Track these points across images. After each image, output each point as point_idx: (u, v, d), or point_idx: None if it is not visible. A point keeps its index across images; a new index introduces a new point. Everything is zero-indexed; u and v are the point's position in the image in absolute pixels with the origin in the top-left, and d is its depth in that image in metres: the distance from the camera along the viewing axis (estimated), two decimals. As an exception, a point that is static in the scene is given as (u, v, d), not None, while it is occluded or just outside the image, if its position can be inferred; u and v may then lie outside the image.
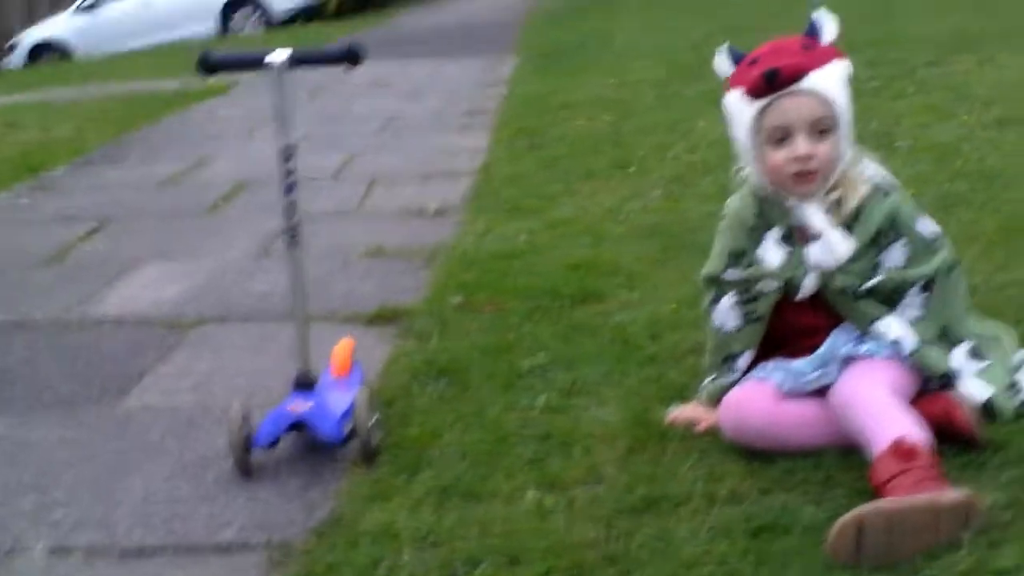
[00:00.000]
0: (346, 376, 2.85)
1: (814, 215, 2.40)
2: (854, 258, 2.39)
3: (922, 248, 2.43)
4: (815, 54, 2.37)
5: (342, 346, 2.91)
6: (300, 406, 2.54)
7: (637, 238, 4.05)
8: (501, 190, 5.08)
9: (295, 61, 2.55)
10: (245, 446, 2.52)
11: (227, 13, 18.37)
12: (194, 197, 5.51)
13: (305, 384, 2.59)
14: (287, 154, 2.53)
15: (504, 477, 2.40)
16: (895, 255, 2.42)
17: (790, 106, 2.33)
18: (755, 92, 2.35)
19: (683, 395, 2.68)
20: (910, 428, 2.16)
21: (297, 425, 2.56)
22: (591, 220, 4.37)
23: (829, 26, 2.43)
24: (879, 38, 8.39)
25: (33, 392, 3.14)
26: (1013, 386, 2.45)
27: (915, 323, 2.41)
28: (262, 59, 2.56)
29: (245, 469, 2.53)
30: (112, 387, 3.13)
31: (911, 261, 2.42)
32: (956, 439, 2.30)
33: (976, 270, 3.29)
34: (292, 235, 2.59)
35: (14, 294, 4.09)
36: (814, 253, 2.41)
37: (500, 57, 10.81)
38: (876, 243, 2.41)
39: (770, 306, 2.49)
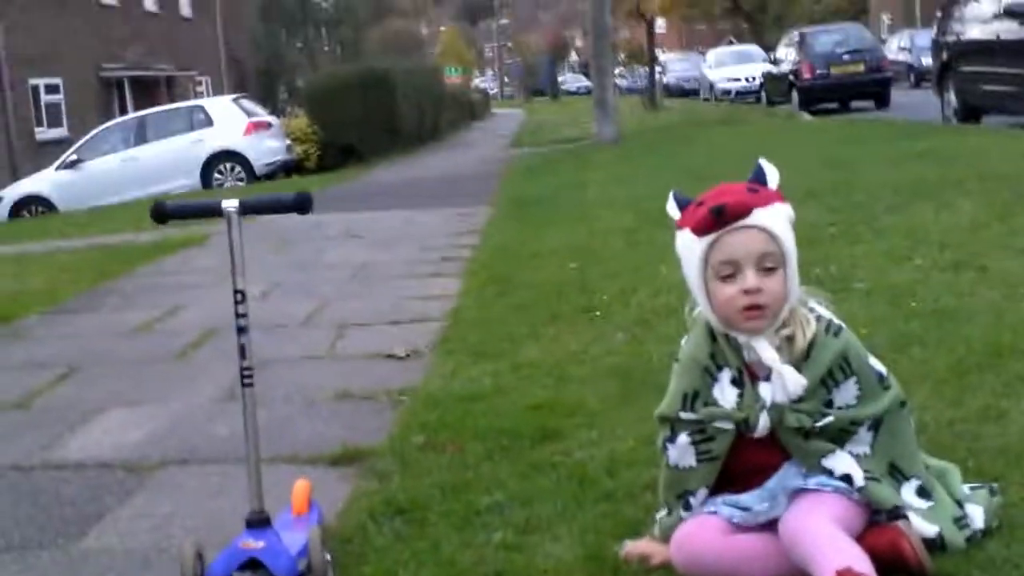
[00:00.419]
0: (304, 515, 2.88)
1: (765, 351, 2.44)
2: (806, 396, 2.44)
3: (872, 386, 2.49)
4: (760, 195, 2.45)
5: (299, 487, 2.94)
6: (252, 544, 2.54)
7: (599, 379, 4.10)
8: (469, 334, 5.15)
9: (246, 209, 2.65)
10: (198, 585, 2.51)
11: (208, 167, 18.73)
12: (164, 344, 5.55)
13: (257, 522, 2.59)
14: (238, 298, 2.60)
15: (457, 614, 2.40)
16: (846, 393, 2.47)
17: (737, 241, 2.40)
18: (702, 228, 2.42)
19: (638, 531, 2.70)
20: (855, 560, 2.18)
21: (252, 564, 2.55)
22: (555, 362, 4.42)
23: (773, 173, 2.53)
24: (840, 184, 8.62)
25: (-13, 537, 3.12)
26: (961, 519, 2.48)
27: (864, 459, 2.46)
28: (214, 207, 2.65)
29: (198, 608, 2.52)
30: (68, 530, 3.12)
31: (862, 399, 2.47)
32: (904, 571, 2.32)
33: (927, 407, 3.35)
34: (245, 376, 2.64)
35: (-23, 440, 4.09)
36: (767, 391, 2.46)
37: (475, 208, 11.03)
38: (827, 381, 2.46)
39: (726, 446, 2.51)
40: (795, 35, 26.12)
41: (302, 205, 2.66)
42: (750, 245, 2.39)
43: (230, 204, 2.63)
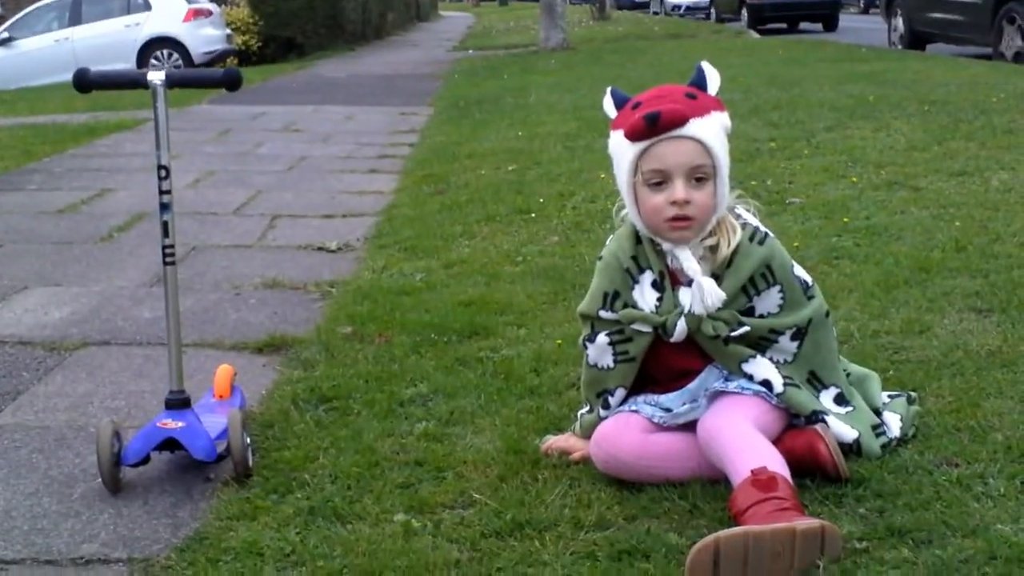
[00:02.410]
0: (226, 400, 2.85)
1: (687, 261, 2.42)
2: (726, 304, 2.43)
3: (796, 296, 2.49)
4: (698, 103, 2.40)
5: (222, 371, 2.91)
6: (171, 424, 2.51)
7: (530, 279, 4.09)
8: (402, 230, 5.10)
9: (173, 82, 2.57)
10: (114, 462, 2.48)
11: (145, 53, 18.24)
12: (91, 226, 5.43)
13: (177, 403, 2.56)
14: (162, 174, 2.54)
15: (373, 500, 2.40)
16: (769, 301, 2.47)
17: (669, 151, 2.36)
18: (635, 135, 2.38)
19: (560, 427, 2.71)
20: (770, 460, 2.21)
21: (171, 444, 2.53)
22: (487, 261, 4.40)
23: (714, 77, 2.48)
24: (782, 102, 8.62)
25: (-101, 409, 3.05)
26: (878, 427, 2.52)
27: (784, 366, 2.47)
28: (140, 78, 2.56)
29: (113, 486, 2.50)
30: (-16, 405, 3.06)
31: (785, 308, 2.47)
32: (820, 472, 2.35)
33: (854, 318, 3.39)
34: (167, 254, 2.58)
35: None
36: (686, 297, 2.45)
37: (416, 108, 10.88)
38: (748, 289, 2.45)
39: (643, 348, 2.51)
40: (747, -48, 25.92)
41: (231, 80, 2.58)
42: (682, 156, 2.35)
43: (156, 76, 2.55)
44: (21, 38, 18.44)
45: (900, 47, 15.14)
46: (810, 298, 2.50)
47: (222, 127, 9.34)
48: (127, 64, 17.81)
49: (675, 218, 2.38)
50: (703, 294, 2.40)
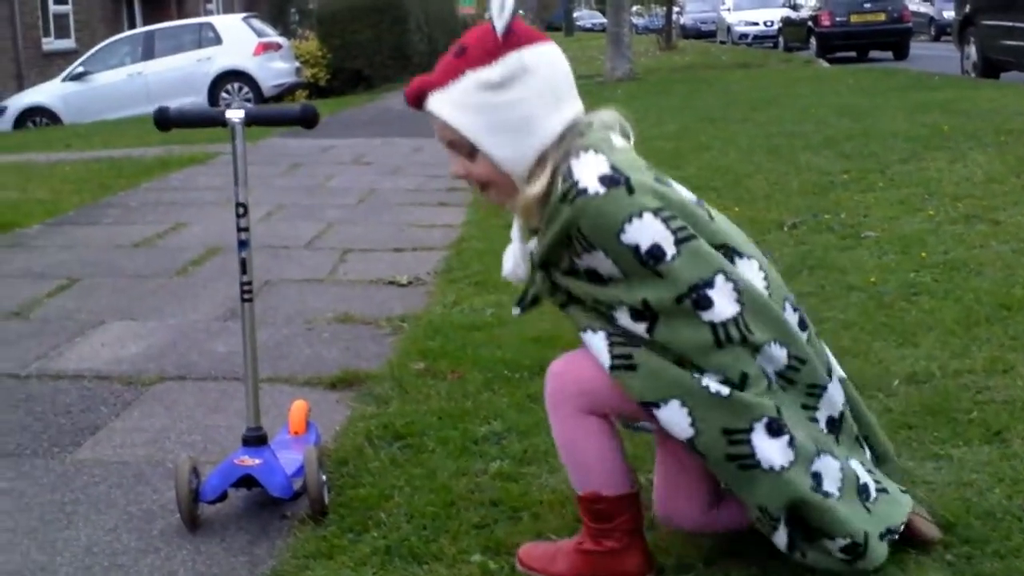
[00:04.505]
0: (302, 436, 2.86)
1: (515, 223, 2.27)
2: (547, 264, 2.16)
3: (633, 267, 2.04)
4: (452, 64, 2.12)
5: (297, 407, 2.92)
6: (248, 461, 2.52)
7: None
8: (472, 264, 5.10)
9: (251, 119, 2.59)
10: (192, 499, 2.50)
11: (216, 86, 18.56)
12: (166, 260, 5.51)
13: (254, 440, 2.57)
14: (240, 211, 2.56)
15: (450, 541, 2.38)
16: (603, 266, 2.08)
17: (435, 126, 2.15)
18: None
19: (638, 466, 2.67)
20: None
21: (247, 481, 2.54)
22: (558, 296, 4.37)
23: (502, 13, 2.10)
24: (855, 133, 8.52)
25: (-18, 443, 3.11)
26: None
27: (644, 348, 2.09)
28: (219, 116, 2.59)
29: (191, 523, 2.51)
30: (63, 440, 3.10)
31: (629, 278, 2.06)
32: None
33: (934, 357, 3.32)
34: (245, 291, 2.60)
35: (-26, 346, 4.07)
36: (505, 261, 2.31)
37: (483, 139, 10.90)
38: (569, 249, 2.10)
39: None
40: (817, -19, 25.76)
41: (308, 118, 2.60)
42: (438, 132, 2.14)
43: (235, 114, 2.58)
44: (95, 72, 18.83)
45: (973, 75, 14.92)
46: (659, 275, 2.03)
47: (293, 160, 9.45)
48: (199, 97, 18.12)
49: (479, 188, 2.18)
50: (515, 254, 2.26)
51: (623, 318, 2.08)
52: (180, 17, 25.28)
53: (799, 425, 2.11)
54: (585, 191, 2.01)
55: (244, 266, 2.61)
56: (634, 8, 38.69)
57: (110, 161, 9.80)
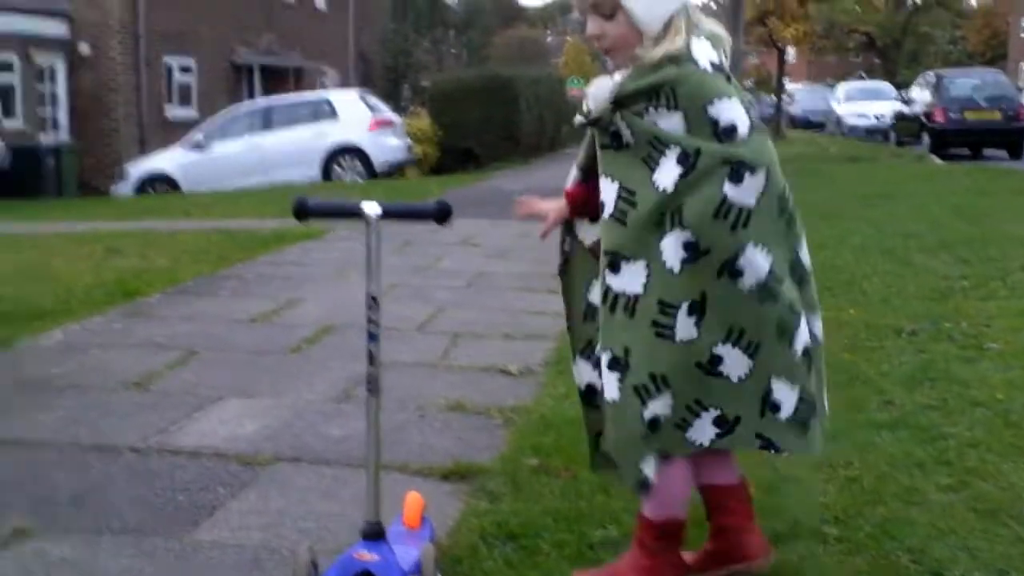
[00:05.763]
0: (416, 530, 2.85)
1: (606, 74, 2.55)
2: (620, 102, 2.45)
3: (703, 132, 2.41)
4: None
5: (413, 500, 2.91)
6: (367, 556, 2.52)
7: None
8: (583, 356, 5.08)
9: (387, 213, 2.63)
10: (309, 591, 2.50)
11: (329, 160, 18.97)
12: (281, 336, 5.60)
13: (373, 533, 2.57)
14: (371, 303, 2.59)
15: (567, 651, 2.35)
16: (669, 122, 2.43)
17: None
18: None
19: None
20: None
21: (363, 575, 2.53)
22: (672, 395, 4.33)
23: None
24: (973, 237, 8.36)
25: (103, 517, 3.17)
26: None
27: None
28: (356, 209, 2.63)
29: (308, 614, 2.51)
30: (181, 518, 3.15)
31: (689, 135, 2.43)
32: None
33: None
34: (371, 383, 2.62)
35: (95, 416, 4.17)
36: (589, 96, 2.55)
37: (591, 224, 10.92)
38: (649, 99, 2.44)
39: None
40: (931, 76, 25.47)
41: (441, 214, 2.64)
42: None
43: (372, 208, 2.62)
44: (215, 142, 19.40)
45: (1094, 179, 14.58)
46: (722, 142, 2.41)
47: (403, 239, 9.56)
48: (311, 170, 18.54)
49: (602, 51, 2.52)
50: (597, 88, 2.51)
51: (667, 162, 2.39)
52: (297, 90, 26.03)
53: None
54: (696, 63, 2.42)
55: (371, 358, 2.63)
56: (743, 96, 38.63)
57: (227, 232, 10.05)
